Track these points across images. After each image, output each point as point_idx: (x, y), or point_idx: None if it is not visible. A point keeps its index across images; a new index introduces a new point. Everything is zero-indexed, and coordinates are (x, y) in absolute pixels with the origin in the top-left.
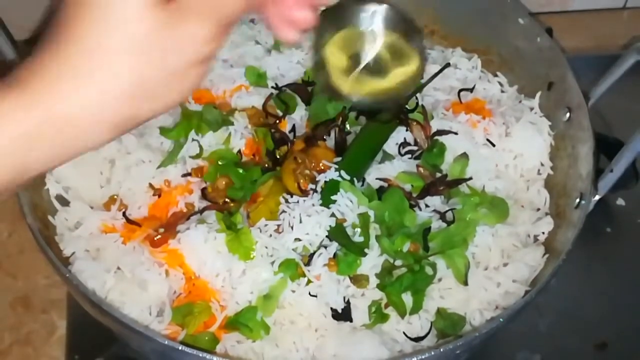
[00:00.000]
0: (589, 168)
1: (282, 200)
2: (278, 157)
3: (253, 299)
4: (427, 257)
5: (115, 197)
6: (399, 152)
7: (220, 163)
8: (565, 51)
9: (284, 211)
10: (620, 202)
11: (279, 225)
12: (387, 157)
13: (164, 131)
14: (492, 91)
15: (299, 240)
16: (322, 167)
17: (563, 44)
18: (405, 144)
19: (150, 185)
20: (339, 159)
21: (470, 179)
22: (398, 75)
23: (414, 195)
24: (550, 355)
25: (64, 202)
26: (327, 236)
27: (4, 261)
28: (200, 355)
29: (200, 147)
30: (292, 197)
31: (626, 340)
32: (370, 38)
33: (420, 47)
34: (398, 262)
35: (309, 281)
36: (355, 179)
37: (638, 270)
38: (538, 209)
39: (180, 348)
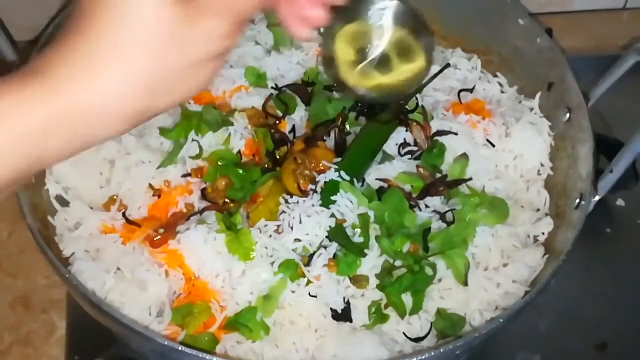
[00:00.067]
0: (589, 169)
1: (282, 200)
2: (278, 157)
3: (253, 300)
4: (427, 257)
5: (115, 197)
6: (399, 153)
7: (220, 164)
8: (565, 52)
9: (284, 212)
10: (620, 202)
11: (279, 226)
12: (387, 157)
13: (164, 132)
14: (492, 92)
15: (299, 240)
16: (322, 168)
17: (563, 45)
18: (405, 144)
19: (150, 186)
20: (339, 159)
21: (471, 179)
22: (405, 71)
23: (414, 195)
24: (551, 355)
25: (64, 203)
26: (327, 237)
27: (4, 261)
28: (200, 355)
29: (200, 147)
30: (292, 197)
31: (626, 340)
32: (379, 33)
33: (429, 45)
34: (398, 263)
35: (309, 282)
36: (355, 179)
37: (638, 271)
38: (538, 210)
39: (180, 349)
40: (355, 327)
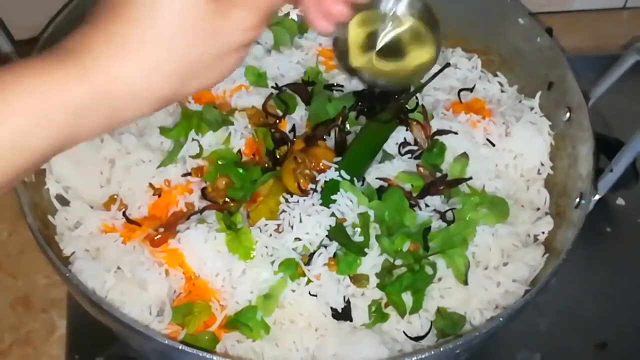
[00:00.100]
0: (589, 168)
1: (282, 200)
2: (278, 156)
3: (253, 299)
4: (427, 256)
5: (115, 196)
6: (399, 152)
7: (220, 163)
8: (565, 51)
9: (284, 211)
10: (620, 201)
11: (279, 225)
12: (387, 156)
13: (164, 131)
14: (492, 91)
15: (299, 239)
16: (322, 167)
17: (563, 44)
18: (405, 143)
19: (150, 185)
20: (339, 158)
21: (470, 178)
22: (413, 60)
23: (414, 194)
24: (550, 354)
25: (64, 202)
26: (327, 236)
27: (4, 261)
28: (201, 354)
29: (200, 146)
30: (292, 196)
31: (626, 340)
32: (391, 21)
33: (437, 37)
34: (398, 262)
35: (309, 281)
36: (355, 178)
37: (638, 270)
38: (538, 209)
39: (180, 347)
40: (355, 326)
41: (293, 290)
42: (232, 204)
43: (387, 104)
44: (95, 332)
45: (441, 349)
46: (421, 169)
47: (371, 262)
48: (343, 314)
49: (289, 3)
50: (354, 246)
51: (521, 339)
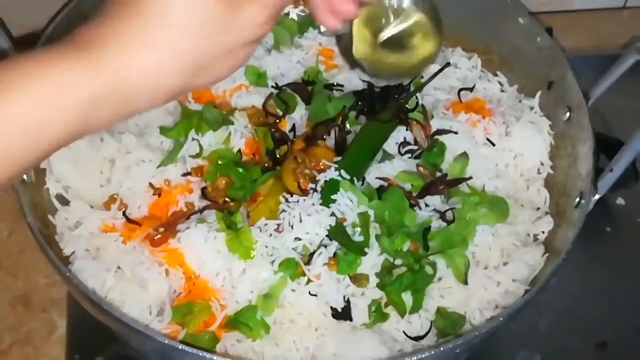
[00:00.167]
0: (588, 167)
1: (282, 199)
2: (278, 156)
3: (253, 298)
4: (427, 256)
5: (115, 196)
6: (399, 152)
7: (220, 162)
8: (565, 51)
9: (284, 210)
10: (620, 201)
11: (279, 225)
12: (387, 156)
13: (164, 130)
14: (492, 91)
15: (299, 239)
16: (322, 167)
17: (563, 44)
18: (405, 143)
19: (150, 185)
20: (339, 158)
21: (470, 178)
22: (416, 53)
23: (414, 194)
24: (550, 354)
25: (64, 202)
26: (327, 235)
27: (4, 260)
28: (201, 354)
29: (200, 146)
30: (292, 196)
31: (626, 339)
32: (397, 14)
33: (440, 32)
34: (398, 262)
35: (309, 280)
36: (355, 178)
37: (638, 270)
38: (538, 208)
39: (180, 347)
40: (355, 326)
41: (293, 290)
42: (232, 204)
43: (387, 103)
44: (95, 331)
45: (441, 349)
46: (421, 168)
47: (371, 262)
48: (343, 314)
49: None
50: (354, 246)
51: (521, 339)
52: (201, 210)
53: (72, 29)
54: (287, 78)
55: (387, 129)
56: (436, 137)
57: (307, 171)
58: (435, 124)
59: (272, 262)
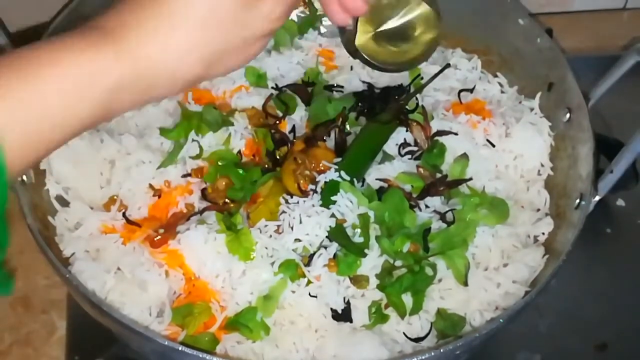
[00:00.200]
0: (589, 169)
1: (282, 200)
2: (278, 157)
3: (253, 300)
4: (427, 257)
5: (115, 197)
6: (399, 153)
7: (220, 164)
8: (565, 52)
9: (284, 212)
10: (620, 202)
11: (279, 226)
12: (387, 157)
13: (164, 132)
14: (492, 92)
15: (299, 240)
16: (322, 168)
17: (563, 45)
18: (405, 144)
19: (150, 186)
20: (339, 159)
21: (470, 179)
22: (420, 43)
23: (414, 195)
24: (551, 355)
25: (64, 203)
26: (327, 237)
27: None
28: (200, 355)
29: (200, 147)
30: (292, 197)
31: (626, 341)
32: (399, 5)
33: (440, 25)
34: (398, 263)
35: (309, 282)
36: (355, 179)
37: (638, 271)
38: (538, 210)
39: (180, 349)
40: (355, 327)
41: (293, 291)
42: (232, 205)
43: (387, 104)
44: (95, 333)
45: (441, 350)
46: (421, 169)
47: (371, 263)
48: (343, 315)
49: None
50: (354, 247)
51: (521, 340)
52: (201, 212)
53: (72, 29)
54: (287, 79)
55: (387, 130)
56: (436, 138)
57: (307, 172)
58: (435, 125)
59: (272, 264)
